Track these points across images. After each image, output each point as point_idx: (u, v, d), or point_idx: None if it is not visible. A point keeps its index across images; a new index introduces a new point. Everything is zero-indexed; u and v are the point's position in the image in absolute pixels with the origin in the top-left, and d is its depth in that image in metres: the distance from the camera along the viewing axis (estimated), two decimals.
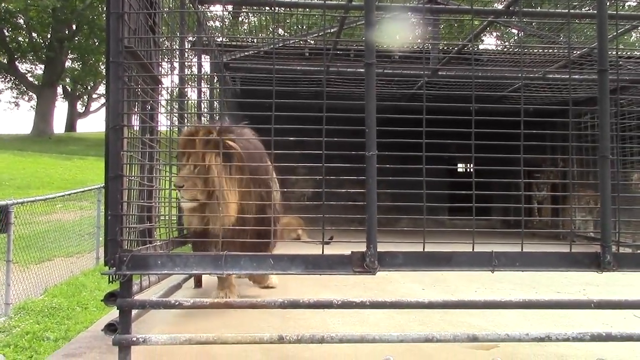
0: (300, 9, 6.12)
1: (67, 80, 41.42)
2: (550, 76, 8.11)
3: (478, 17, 5.71)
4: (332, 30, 7.63)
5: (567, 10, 4.10)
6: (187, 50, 5.76)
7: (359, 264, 3.06)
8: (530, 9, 4.97)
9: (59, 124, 42.07)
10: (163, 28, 4.69)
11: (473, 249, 3.14)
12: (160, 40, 4.54)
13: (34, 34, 39.08)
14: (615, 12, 4.35)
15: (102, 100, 49.12)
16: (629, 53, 10.67)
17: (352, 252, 3.12)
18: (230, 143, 4.48)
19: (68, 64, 40.88)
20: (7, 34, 37.43)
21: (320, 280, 6.14)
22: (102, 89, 48.29)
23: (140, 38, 3.76)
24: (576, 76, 7.27)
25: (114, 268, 3.05)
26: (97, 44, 38.96)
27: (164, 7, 4.60)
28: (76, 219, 11.80)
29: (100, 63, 42.08)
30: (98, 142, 32.26)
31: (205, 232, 4.48)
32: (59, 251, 10.17)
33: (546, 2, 16.87)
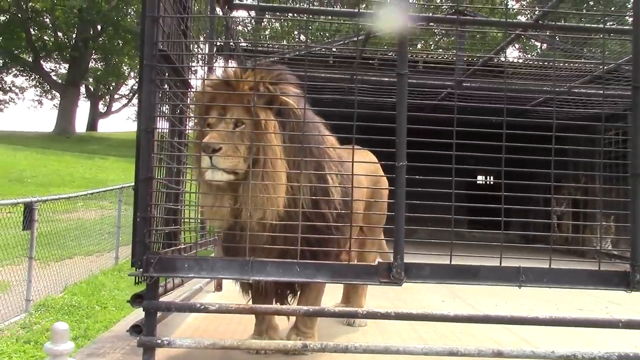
0: (329, 17, 6.12)
1: (90, 80, 41.90)
2: (582, 91, 8.02)
3: (507, 30, 5.67)
4: (359, 38, 7.64)
5: (601, 26, 4.06)
6: (215, 55, 5.79)
7: (386, 274, 3.05)
8: (562, 24, 4.95)
9: (80, 123, 42.37)
10: (193, 33, 4.72)
11: (500, 264, 3.12)
12: (192, 44, 4.58)
13: (60, 34, 39.59)
14: None
15: (124, 100, 49.64)
16: None
17: (378, 262, 3.12)
18: (288, 99, 3.36)
19: (91, 64, 41.37)
20: (33, 32, 37.95)
21: (339, 288, 6.13)
22: (124, 90, 48.81)
23: (173, 42, 3.79)
24: (610, 92, 7.20)
25: (141, 270, 3.07)
26: (120, 45, 39.37)
27: (195, 11, 4.62)
28: (97, 218, 11.89)
29: (123, 64, 42.54)
30: (119, 143, 32.58)
31: (236, 229, 3.36)
32: (79, 249, 10.25)
33: (571, 17, 16.75)
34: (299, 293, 3.68)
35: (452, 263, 3.08)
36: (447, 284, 3.17)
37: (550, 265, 3.12)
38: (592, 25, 5.29)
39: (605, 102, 9.48)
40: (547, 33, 7.47)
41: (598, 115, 10.35)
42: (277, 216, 3.20)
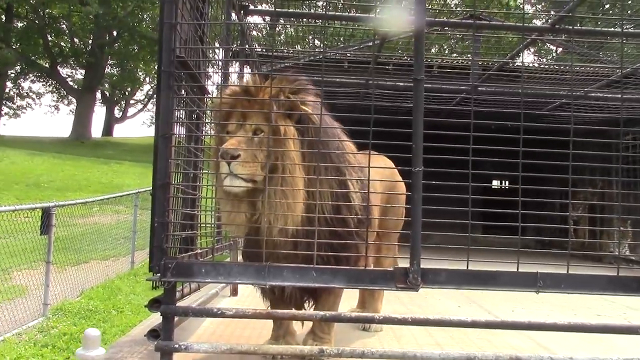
0: (344, 22, 6.13)
1: (106, 85, 42.25)
2: (599, 95, 7.97)
3: (524, 34, 5.65)
4: (374, 43, 7.64)
5: (619, 30, 4.03)
6: (232, 60, 5.83)
7: (402, 279, 3.04)
8: (579, 27, 4.90)
9: (96, 128, 42.72)
10: (209, 39, 4.75)
11: (518, 269, 3.10)
12: (209, 51, 4.61)
13: (76, 40, 39.99)
14: None
15: (139, 106, 49.97)
16: None
17: (394, 267, 3.11)
18: (308, 108, 3.38)
19: (107, 69, 41.72)
20: (50, 39, 38.36)
21: (355, 294, 6.13)
22: (139, 95, 49.15)
23: (190, 48, 3.82)
24: (628, 96, 7.14)
25: (159, 275, 3.09)
26: (136, 50, 39.67)
27: (212, 18, 4.65)
28: (112, 222, 11.98)
29: (138, 69, 42.85)
30: (134, 147, 32.80)
31: (255, 235, 3.34)
32: (95, 254, 10.33)
33: (587, 21, 16.63)
34: (318, 298, 3.67)
35: (469, 268, 3.07)
36: (464, 289, 3.15)
37: (568, 271, 3.10)
38: (610, 29, 5.25)
39: (622, 106, 9.42)
40: (564, 37, 7.43)
41: (615, 119, 10.26)
42: (298, 222, 3.20)
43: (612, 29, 4.71)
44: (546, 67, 11.67)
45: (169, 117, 3.21)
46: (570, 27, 4.97)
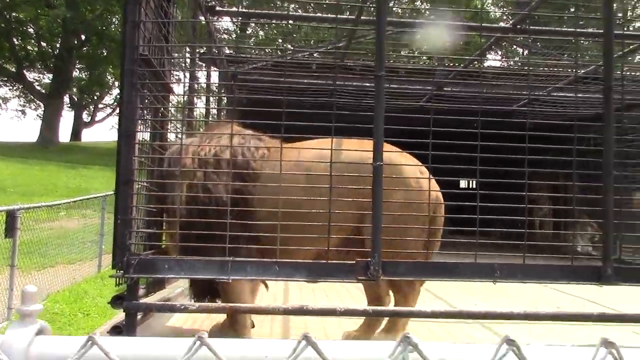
0: (310, 23, 6.19)
1: (74, 89, 41.67)
2: (555, 94, 8.19)
3: (485, 34, 5.77)
4: (340, 44, 7.72)
5: (573, 29, 4.17)
6: (197, 59, 5.84)
7: (363, 272, 3.10)
8: (537, 27, 4.98)
9: (64, 133, 42.09)
10: (175, 38, 4.77)
11: (476, 260, 3.19)
12: (173, 49, 4.62)
13: (43, 43, 39.36)
14: (622, 32, 4.42)
15: (108, 110, 49.38)
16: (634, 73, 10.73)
17: (356, 260, 3.16)
18: None
19: (75, 73, 41.14)
20: (16, 42, 37.70)
21: (323, 287, 6.21)
22: (108, 99, 48.57)
23: (154, 47, 3.83)
24: (580, 95, 7.34)
25: (122, 271, 3.10)
26: (105, 54, 39.19)
27: (177, 17, 4.67)
28: (79, 226, 11.84)
29: (107, 73, 42.35)
30: (103, 152, 32.40)
31: None
32: (62, 258, 10.20)
33: (554, 21, 16.99)
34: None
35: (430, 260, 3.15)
36: (424, 280, 3.23)
37: (524, 262, 3.19)
38: (566, 29, 5.40)
39: (582, 104, 9.65)
40: (521, 38, 7.61)
41: (582, 117, 10.50)
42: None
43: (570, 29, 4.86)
44: (506, 67, 11.89)
45: (131, 114, 3.23)
46: (529, 27, 5.09)
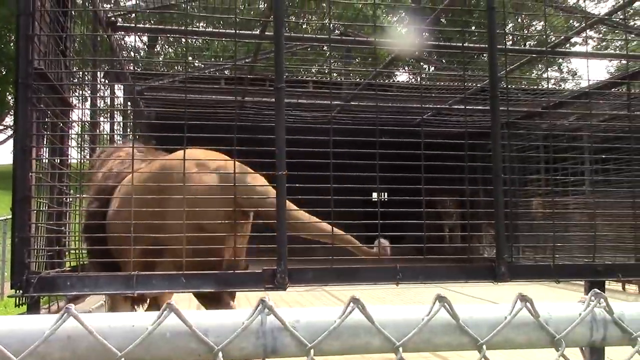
0: (212, 38, 6.22)
1: None
2: (447, 107, 8.67)
3: (385, 49, 6.04)
4: (246, 60, 7.79)
5: (461, 44, 4.46)
6: (99, 72, 5.72)
7: (270, 280, 3.15)
8: (435, 43, 5.25)
9: None
10: (73, 53, 4.68)
11: (380, 264, 3.33)
12: (71, 63, 4.52)
13: None
14: (504, 47, 4.76)
15: (9, 132, 46.79)
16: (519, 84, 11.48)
17: (263, 269, 3.21)
18: None
19: None
20: None
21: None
22: (9, 120, 46.06)
23: (51, 61, 3.76)
24: (470, 107, 7.80)
25: (21, 291, 3.00)
26: (3, 73, 37.24)
27: (75, 32, 4.59)
28: None
29: (7, 93, 40.22)
30: (4, 175, 30.65)
31: None
32: None
33: (458, 37, 17.86)
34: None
35: (334, 266, 3.24)
36: (329, 285, 3.32)
37: (425, 264, 3.36)
38: (454, 44, 5.76)
39: (483, 116, 10.20)
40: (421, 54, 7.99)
41: (484, 129, 11.06)
42: None
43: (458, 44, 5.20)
44: (403, 83, 12.45)
45: (27, 129, 3.15)
46: (426, 42, 5.39)
